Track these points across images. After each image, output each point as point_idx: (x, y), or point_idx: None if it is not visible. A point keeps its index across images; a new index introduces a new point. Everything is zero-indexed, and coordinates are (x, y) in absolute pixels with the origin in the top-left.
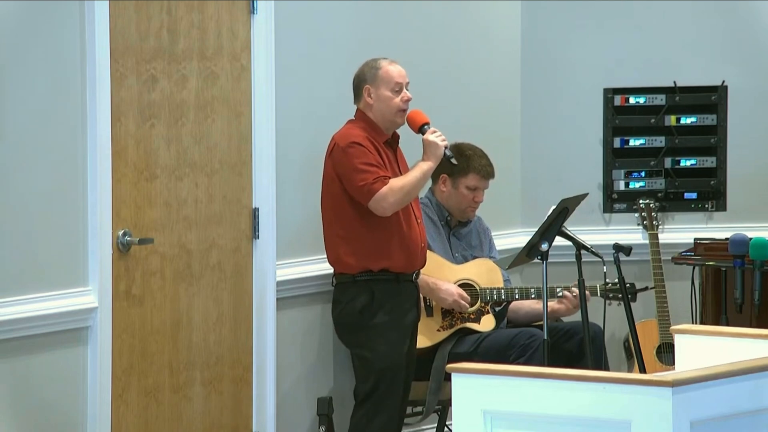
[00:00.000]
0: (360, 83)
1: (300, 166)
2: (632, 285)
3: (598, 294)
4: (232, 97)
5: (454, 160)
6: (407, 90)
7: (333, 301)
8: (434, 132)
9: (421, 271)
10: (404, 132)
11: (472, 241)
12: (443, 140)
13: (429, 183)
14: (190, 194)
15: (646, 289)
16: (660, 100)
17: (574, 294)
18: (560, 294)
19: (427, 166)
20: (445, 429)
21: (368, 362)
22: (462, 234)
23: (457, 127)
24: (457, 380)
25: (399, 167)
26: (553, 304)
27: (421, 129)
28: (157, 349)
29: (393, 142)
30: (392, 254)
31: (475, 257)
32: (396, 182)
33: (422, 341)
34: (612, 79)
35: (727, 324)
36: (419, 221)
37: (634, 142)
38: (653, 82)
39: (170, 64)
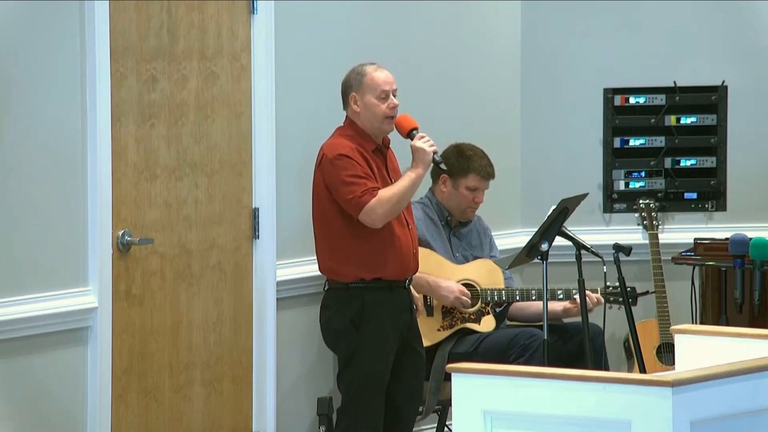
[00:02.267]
0: (346, 90)
1: (300, 166)
2: (633, 289)
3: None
4: (232, 97)
5: (443, 165)
6: (394, 97)
7: (322, 305)
8: (422, 137)
9: (422, 270)
10: (397, 139)
11: (473, 240)
12: (431, 145)
13: (429, 183)
14: (190, 194)
15: (646, 293)
16: (660, 100)
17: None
18: (560, 296)
19: (415, 174)
20: (445, 429)
21: (353, 368)
22: (462, 234)
23: (457, 127)
24: (457, 380)
25: (389, 174)
26: (565, 303)
27: (409, 134)
28: (157, 349)
29: (383, 148)
30: (386, 264)
31: (475, 257)
32: (384, 193)
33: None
34: (612, 79)
35: (727, 324)
36: (410, 226)
37: (634, 142)
38: (653, 82)
39: (170, 64)
